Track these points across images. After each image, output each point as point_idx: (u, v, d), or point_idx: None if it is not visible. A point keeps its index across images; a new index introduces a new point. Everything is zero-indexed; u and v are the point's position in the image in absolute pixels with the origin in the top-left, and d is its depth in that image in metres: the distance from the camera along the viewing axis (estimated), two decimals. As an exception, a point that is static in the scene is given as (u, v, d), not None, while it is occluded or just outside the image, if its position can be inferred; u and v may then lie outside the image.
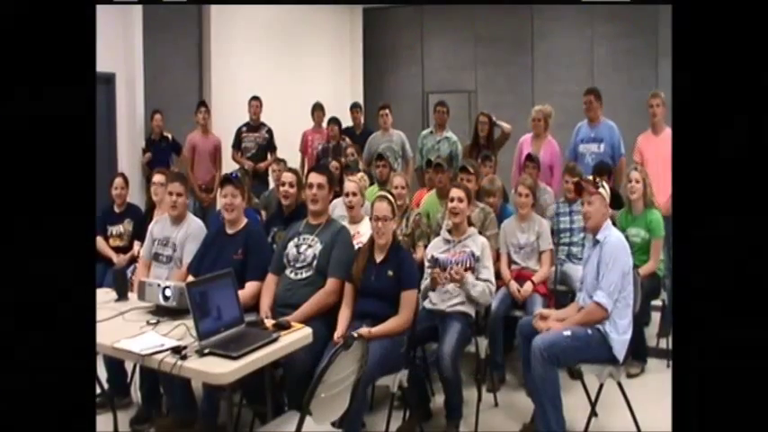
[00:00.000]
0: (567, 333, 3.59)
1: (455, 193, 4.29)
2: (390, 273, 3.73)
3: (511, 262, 4.89)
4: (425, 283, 4.14)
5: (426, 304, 4.13)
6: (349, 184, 4.75)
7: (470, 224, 4.38)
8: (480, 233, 4.44)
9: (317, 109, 8.32)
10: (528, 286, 4.64)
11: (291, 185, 4.76)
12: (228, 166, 7.63)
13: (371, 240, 3.89)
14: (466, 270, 4.11)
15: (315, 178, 4.03)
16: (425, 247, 4.63)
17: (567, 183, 5.26)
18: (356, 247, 4.09)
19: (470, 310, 4.08)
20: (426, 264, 4.29)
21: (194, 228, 4.36)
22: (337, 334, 3.58)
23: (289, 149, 8.21)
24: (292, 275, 3.89)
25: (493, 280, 4.12)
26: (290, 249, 3.96)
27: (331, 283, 3.80)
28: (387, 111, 7.58)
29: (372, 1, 11.21)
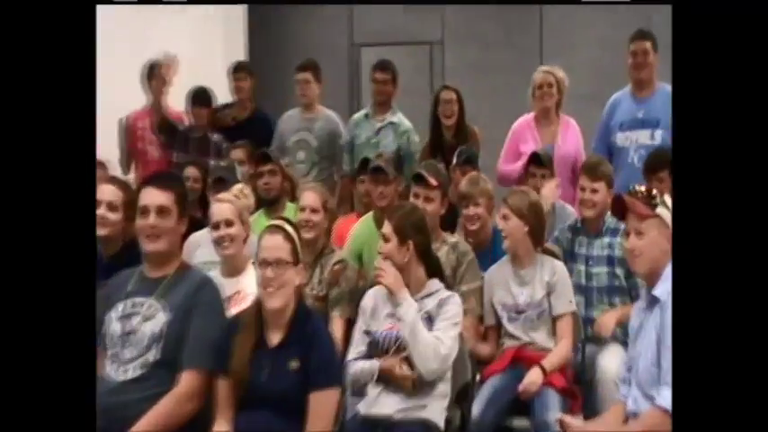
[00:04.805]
0: None
1: (385, 229, 2.66)
2: (294, 364, 2.28)
3: (504, 334, 3.04)
4: (358, 369, 2.61)
5: (361, 407, 2.58)
6: (220, 208, 2.98)
7: (433, 274, 2.69)
8: (450, 287, 2.78)
9: (159, 69, 4.59)
10: (535, 375, 2.82)
11: (113, 209, 2.81)
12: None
13: (259, 306, 2.36)
14: None
15: (153, 197, 2.40)
16: (348, 317, 3.03)
17: (585, 191, 3.27)
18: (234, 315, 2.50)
19: (436, 415, 2.54)
20: (356, 338, 2.71)
21: None
22: None
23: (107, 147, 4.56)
24: (117, 373, 2.31)
25: (450, 339, 2.57)
26: (112, 326, 2.36)
27: (188, 380, 2.27)
28: (308, 75, 4.60)
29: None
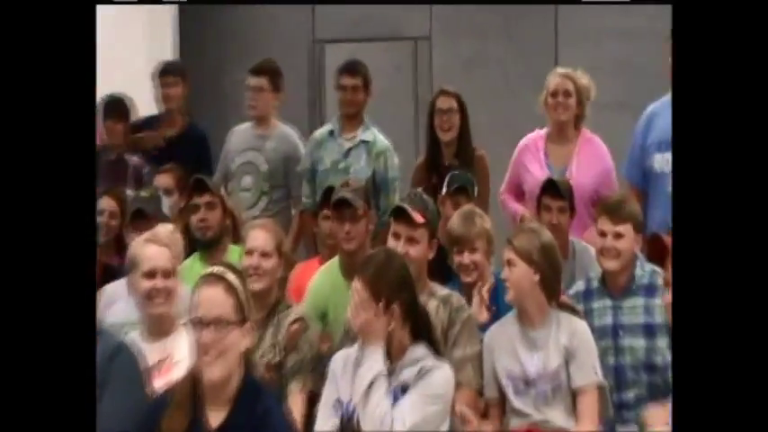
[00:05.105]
0: None
1: (356, 288, 2.08)
2: None
3: (510, 410, 2.44)
4: None
5: None
6: (155, 252, 2.39)
7: (419, 335, 2.14)
8: (439, 353, 2.17)
9: None
10: None
11: None
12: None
13: (194, 378, 1.82)
14: None
15: None
16: (310, 390, 2.45)
17: (606, 237, 2.62)
18: (160, 390, 2.01)
19: None
20: (324, 410, 2.17)
21: None
22: None
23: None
24: None
25: (417, 416, 2.01)
26: None
27: None
28: (263, 80, 3.74)
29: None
